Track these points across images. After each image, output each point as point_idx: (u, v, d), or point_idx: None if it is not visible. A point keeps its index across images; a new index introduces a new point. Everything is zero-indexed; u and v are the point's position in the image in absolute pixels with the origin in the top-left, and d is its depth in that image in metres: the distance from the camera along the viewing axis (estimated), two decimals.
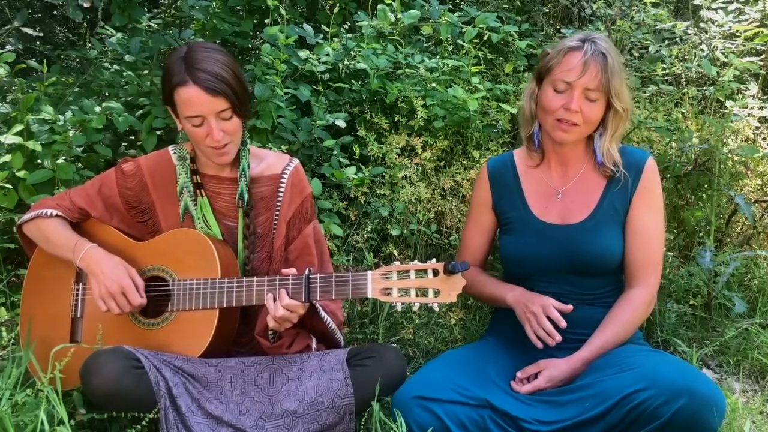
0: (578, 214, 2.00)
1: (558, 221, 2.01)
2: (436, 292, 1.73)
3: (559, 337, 1.85)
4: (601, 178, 2.02)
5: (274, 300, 1.80)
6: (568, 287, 1.96)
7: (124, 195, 2.01)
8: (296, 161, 2.08)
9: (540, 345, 1.88)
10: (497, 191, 2.12)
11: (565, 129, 1.93)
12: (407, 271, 1.75)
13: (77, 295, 1.99)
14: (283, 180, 2.03)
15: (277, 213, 2.02)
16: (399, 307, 1.78)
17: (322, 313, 1.94)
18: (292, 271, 1.83)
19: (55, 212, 1.98)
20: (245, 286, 1.84)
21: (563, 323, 1.85)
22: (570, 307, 1.87)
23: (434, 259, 1.77)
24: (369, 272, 1.77)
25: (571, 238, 1.96)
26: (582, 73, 1.87)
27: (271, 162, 2.05)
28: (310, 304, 1.85)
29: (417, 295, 1.74)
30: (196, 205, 1.98)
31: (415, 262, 1.76)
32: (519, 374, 1.90)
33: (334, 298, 1.80)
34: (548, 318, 1.87)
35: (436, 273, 1.73)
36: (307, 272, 1.81)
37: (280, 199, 2.03)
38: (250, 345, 1.97)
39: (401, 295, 1.74)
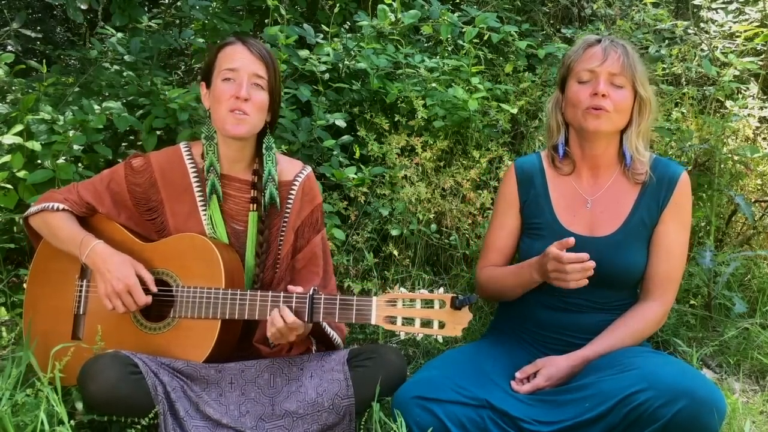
0: (607, 226, 1.96)
1: (585, 233, 1.96)
2: (441, 325, 1.71)
3: (585, 256, 1.76)
4: (632, 188, 1.98)
5: (284, 322, 1.78)
6: (586, 296, 1.92)
7: (132, 191, 1.99)
8: (309, 169, 2.06)
9: (585, 282, 1.78)
10: (524, 193, 2.06)
11: (597, 114, 1.89)
12: (413, 300, 1.73)
13: (81, 291, 1.98)
14: (294, 187, 2.01)
15: (286, 219, 2.00)
16: (402, 336, 1.76)
17: (328, 329, 1.94)
18: (298, 289, 1.81)
19: (61, 206, 1.95)
20: (249, 300, 1.82)
21: (571, 241, 1.77)
22: (572, 240, 1.78)
23: (441, 290, 1.76)
24: (374, 298, 1.75)
25: (597, 251, 1.89)
26: (604, 58, 1.89)
27: (283, 168, 2.03)
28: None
29: (421, 326, 1.72)
30: (205, 204, 1.96)
31: (423, 290, 1.74)
32: (518, 374, 1.90)
33: (336, 321, 1.79)
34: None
35: (442, 304, 1.71)
36: (311, 291, 1.79)
37: (289, 205, 2.00)
38: (250, 350, 1.96)
39: (405, 324, 1.72)
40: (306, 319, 1.77)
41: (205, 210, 1.96)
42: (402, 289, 1.76)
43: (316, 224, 2.04)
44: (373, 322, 1.74)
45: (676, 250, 1.95)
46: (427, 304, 1.73)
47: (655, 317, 1.94)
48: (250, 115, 1.88)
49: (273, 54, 1.96)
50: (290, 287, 1.82)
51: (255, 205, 1.97)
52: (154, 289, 1.87)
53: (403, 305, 1.73)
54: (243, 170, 2.00)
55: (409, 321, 1.73)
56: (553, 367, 1.87)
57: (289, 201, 2.01)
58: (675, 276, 1.97)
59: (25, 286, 2.08)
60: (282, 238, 2.01)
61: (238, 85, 1.86)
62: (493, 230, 2.12)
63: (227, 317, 1.83)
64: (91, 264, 1.89)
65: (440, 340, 1.77)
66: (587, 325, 1.94)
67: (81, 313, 1.97)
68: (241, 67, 1.88)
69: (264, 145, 1.98)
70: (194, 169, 1.99)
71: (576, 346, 1.92)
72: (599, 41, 1.94)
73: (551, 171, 2.06)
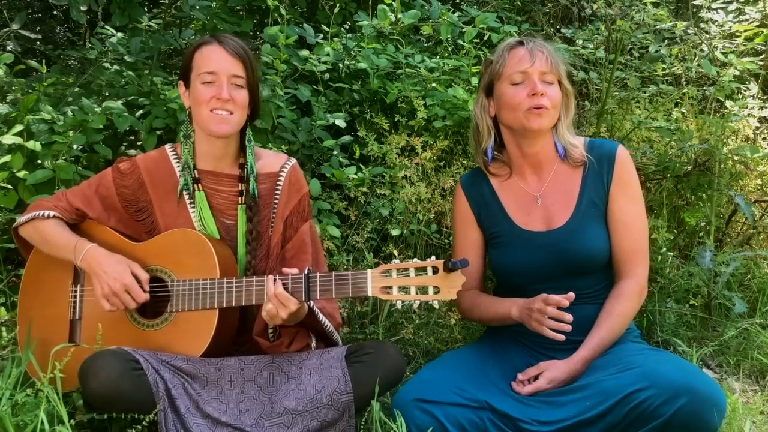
0: (560, 216, 1.98)
1: (542, 228, 1.99)
2: (436, 290, 1.73)
3: (569, 317, 1.80)
4: (575, 173, 2.01)
5: (274, 281, 1.79)
6: (563, 290, 1.90)
7: (121, 194, 2.01)
8: (294, 160, 2.09)
9: (561, 337, 1.82)
10: (477, 206, 2.09)
11: (539, 113, 1.92)
12: (407, 269, 1.74)
13: (75, 296, 1.98)
14: (280, 178, 2.04)
15: (275, 210, 2.03)
16: (399, 305, 1.78)
17: (320, 316, 1.94)
18: (294, 270, 1.82)
19: (52, 213, 1.97)
20: (245, 286, 1.83)
21: (564, 302, 1.80)
22: (571, 295, 1.81)
23: (433, 257, 1.77)
24: (369, 270, 1.76)
25: (557, 242, 1.95)
26: (533, 59, 1.94)
27: (268, 160, 2.06)
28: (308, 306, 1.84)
29: (417, 293, 1.73)
30: (193, 201, 1.98)
31: (415, 259, 1.76)
32: (520, 376, 1.90)
33: (334, 296, 1.79)
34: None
35: (435, 270, 1.73)
36: (306, 271, 1.80)
37: (277, 196, 2.03)
38: (249, 344, 1.97)
39: (401, 293, 1.74)
40: (303, 298, 1.78)
41: (193, 207, 1.98)
42: (395, 260, 1.77)
43: (303, 213, 2.06)
44: (369, 293, 1.75)
45: (633, 223, 1.97)
46: (421, 272, 1.74)
47: (632, 294, 1.94)
48: (234, 114, 1.91)
49: (248, 49, 1.96)
50: (285, 269, 1.82)
51: (242, 198, 1.99)
52: (146, 288, 1.87)
53: (398, 275, 1.74)
54: (230, 165, 2.02)
55: (404, 290, 1.74)
56: (555, 370, 1.87)
57: (277, 192, 2.03)
58: (639, 247, 1.97)
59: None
60: (272, 228, 2.03)
61: (219, 87, 1.89)
62: (458, 249, 2.14)
63: (224, 305, 1.84)
64: (86, 267, 1.90)
65: (436, 306, 1.78)
66: (578, 319, 1.93)
67: (77, 318, 1.97)
68: (219, 69, 1.89)
69: (246, 137, 2.01)
70: (180, 168, 2.01)
71: (571, 342, 1.91)
72: (521, 43, 1.98)
73: (496, 179, 2.09)
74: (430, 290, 1.73)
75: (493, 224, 2.06)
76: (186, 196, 1.98)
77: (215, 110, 1.89)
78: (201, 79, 1.90)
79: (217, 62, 1.90)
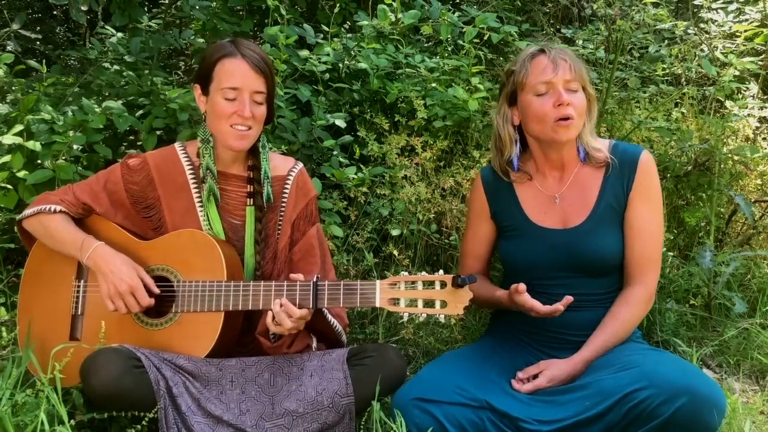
0: (577, 216, 1.98)
1: (558, 226, 1.99)
2: (443, 304, 1.74)
3: (569, 299, 1.82)
4: (596, 175, 2.00)
5: (281, 306, 1.79)
6: (571, 290, 1.92)
7: (129, 190, 2.01)
8: (301, 164, 2.11)
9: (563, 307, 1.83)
10: (494, 200, 2.10)
11: (567, 125, 1.92)
12: (415, 282, 1.76)
13: (78, 291, 1.98)
14: (288, 181, 2.05)
15: (282, 214, 2.04)
16: (405, 317, 1.79)
17: (329, 317, 1.94)
18: (300, 277, 1.82)
19: (58, 208, 1.96)
20: (252, 291, 1.83)
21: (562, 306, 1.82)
22: (569, 299, 1.83)
23: (441, 271, 1.78)
24: (377, 282, 1.78)
25: (571, 241, 1.95)
26: (556, 68, 1.92)
27: (276, 163, 2.07)
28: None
29: (424, 306, 1.75)
30: (201, 201, 1.98)
31: (423, 273, 1.77)
32: (520, 374, 1.90)
33: (341, 306, 1.81)
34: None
35: (443, 285, 1.74)
36: (315, 279, 1.81)
37: (284, 200, 2.04)
38: (251, 344, 1.97)
39: (408, 306, 1.75)
40: (311, 306, 1.79)
41: (201, 207, 1.98)
42: (404, 272, 1.78)
43: (311, 217, 2.07)
44: (377, 304, 1.77)
45: (649, 230, 1.96)
46: (429, 285, 1.75)
47: (640, 301, 1.94)
48: (253, 129, 1.93)
49: (268, 59, 1.97)
50: (292, 275, 1.83)
51: (251, 199, 1.99)
52: (156, 290, 1.88)
53: (406, 287, 1.76)
54: (238, 167, 2.04)
55: (411, 302, 1.75)
56: (556, 369, 1.87)
57: (285, 195, 2.04)
58: (652, 255, 1.97)
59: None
60: (279, 231, 2.03)
61: (241, 103, 1.89)
62: (468, 238, 2.18)
63: (230, 309, 1.84)
64: (93, 265, 1.90)
65: (442, 320, 1.81)
66: (582, 321, 1.94)
67: (79, 313, 1.97)
68: (242, 86, 1.89)
69: (260, 143, 2.02)
70: (190, 168, 2.01)
71: (573, 343, 1.93)
72: (542, 51, 1.97)
73: (515, 176, 2.08)
74: (438, 304, 1.74)
75: (509, 219, 2.07)
76: (196, 196, 1.98)
77: (235, 125, 1.90)
78: (223, 94, 1.90)
79: (240, 78, 1.89)
